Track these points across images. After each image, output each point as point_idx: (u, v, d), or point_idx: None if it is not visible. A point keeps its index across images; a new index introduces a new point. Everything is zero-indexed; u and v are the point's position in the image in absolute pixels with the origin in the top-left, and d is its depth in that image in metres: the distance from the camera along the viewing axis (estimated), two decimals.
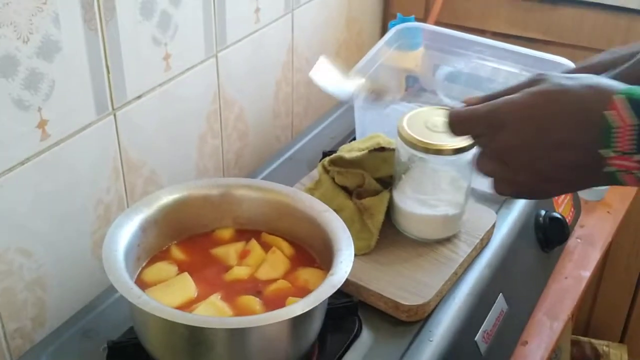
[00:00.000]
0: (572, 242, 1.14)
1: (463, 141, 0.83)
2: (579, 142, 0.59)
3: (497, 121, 0.63)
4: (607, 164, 0.58)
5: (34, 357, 0.78)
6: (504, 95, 0.64)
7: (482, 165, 0.66)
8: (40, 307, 0.91)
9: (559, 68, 1.04)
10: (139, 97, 0.97)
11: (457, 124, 0.67)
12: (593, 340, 1.62)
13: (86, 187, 0.93)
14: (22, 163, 0.83)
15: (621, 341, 1.66)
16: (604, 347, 1.60)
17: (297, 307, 0.66)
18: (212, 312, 0.72)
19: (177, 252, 0.81)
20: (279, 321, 0.66)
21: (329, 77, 0.92)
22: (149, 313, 0.66)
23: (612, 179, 0.59)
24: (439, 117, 0.87)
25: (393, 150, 0.90)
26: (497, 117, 0.63)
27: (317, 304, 0.67)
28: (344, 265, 0.71)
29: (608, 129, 0.56)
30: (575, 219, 1.14)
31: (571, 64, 1.03)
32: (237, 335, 0.67)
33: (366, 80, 0.95)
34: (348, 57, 1.48)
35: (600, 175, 0.59)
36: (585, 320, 1.67)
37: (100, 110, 0.91)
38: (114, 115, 0.94)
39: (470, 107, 0.66)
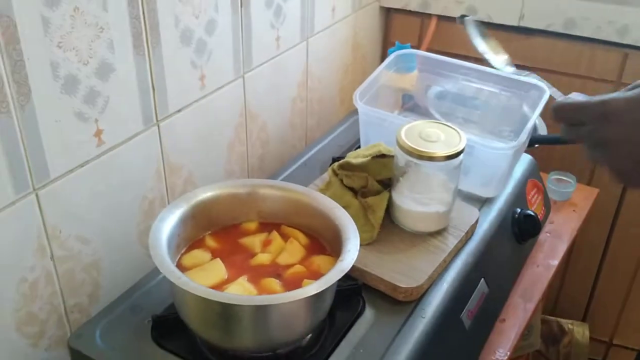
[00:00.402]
0: (542, 236, 1.12)
1: (451, 149, 0.83)
2: None
3: (605, 113, 0.61)
4: None
5: (90, 329, 0.76)
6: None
7: (591, 151, 0.63)
8: (95, 286, 0.91)
9: (532, 89, 1.03)
10: (179, 110, 0.97)
11: (565, 110, 0.64)
12: (560, 319, 1.60)
13: (134, 186, 0.93)
14: (82, 165, 0.83)
15: (583, 320, 1.64)
16: (569, 325, 1.59)
17: (311, 288, 0.65)
18: (240, 292, 0.71)
19: (210, 241, 0.80)
20: (296, 299, 0.65)
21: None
22: (188, 292, 0.65)
23: None
24: (431, 129, 0.86)
25: (392, 156, 0.88)
26: (606, 109, 0.61)
27: (328, 285, 0.66)
28: (351, 253, 0.70)
29: None
30: (546, 216, 1.12)
31: (543, 85, 1.02)
32: (261, 311, 0.67)
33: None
34: (354, 78, 1.47)
35: None
36: (553, 302, 1.66)
37: (147, 122, 0.91)
38: (158, 126, 0.94)
39: (579, 99, 0.63)
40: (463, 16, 0.81)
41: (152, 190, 0.96)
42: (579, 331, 1.59)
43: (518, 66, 1.37)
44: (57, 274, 0.84)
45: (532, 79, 1.06)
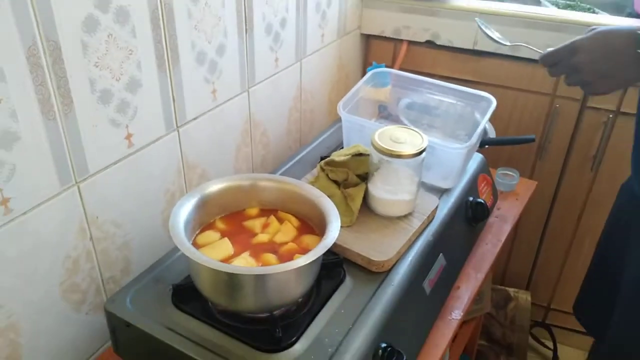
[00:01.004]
0: (491, 219, 1.10)
1: (415, 149, 0.82)
2: (625, 51, 0.71)
3: (574, 48, 0.76)
4: None
5: (122, 296, 0.75)
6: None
7: (568, 78, 0.79)
8: (126, 262, 0.89)
9: (482, 100, 1.02)
10: (195, 118, 0.95)
11: (548, 56, 0.80)
12: (507, 288, 1.58)
13: (158, 180, 0.91)
14: (115, 163, 0.82)
15: (527, 288, 1.63)
16: (514, 293, 1.57)
17: (300, 261, 0.64)
18: (244, 264, 0.70)
19: (220, 224, 0.78)
20: (288, 270, 0.65)
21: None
22: (201, 264, 0.64)
23: None
24: (400, 133, 0.84)
25: (368, 155, 0.87)
26: (575, 45, 0.76)
27: (314, 258, 0.65)
28: (332, 233, 0.69)
29: (638, 36, 0.70)
30: (494, 204, 1.10)
31: (491, 97, 1.01)
32: (260, 279, 0.66)
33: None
34: (339, 93, 1.44)
35: (638, 69, 0.72)
36: (502, 274, 1.64)
37: (169, 127, 0.90)
38: (178, 131, 0.92)
39: (554, 48, 0.79)
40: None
41: (174, 184, 0.95)
42: (523, 297, 1.57)
43: (472, 82, 1.37)
44: (95, 252, 0.83)
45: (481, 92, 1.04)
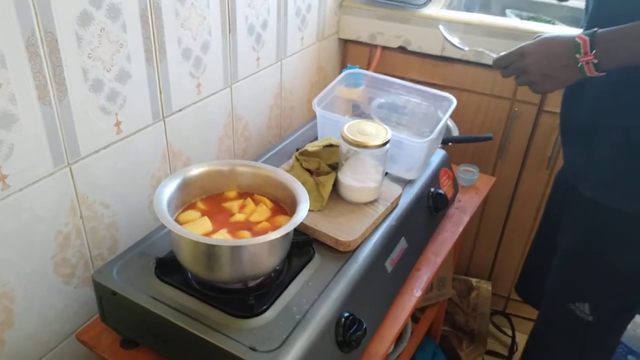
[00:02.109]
0: (452, 210, 1.14)
1: (380, 140, 0.85)
2: (565, 54, 0.78)
3: (522, 53, 0.84)
4: (578, 61, 0.78)
5: (109, 268, 0.78)
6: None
7: (518, 79, 0.86)
8: (113, 241, 0.93)
9: (445, 100, 1.07)
10: (180, 110, 0.98)
11: (500, 60, 0.87)
12: (470, 278, 1.62)
13: (145, 166, 0.95)
14: (105, 147, 0.85)
15: (488, 279, 1.67)
16: (477, 282, 1.62)
17: (272, 234, 0.68)
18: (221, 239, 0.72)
19: (200, 204, 0.81)
20: (261, 242, 0.69)
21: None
22: (183, 237, 0.68)
23: (581, 71, 0.78)
24: (366, 126, 0.88)
25: (338, 146, 0.91)
26: (523, 50, 0.84)
27: (284, 233, 0.69)
28: (302, 212, 0.72)
29: (577, 45, 0.77)
30: (454, 196, 1.14)
31: (452, 97, 1.06)
32: (235, 251, 0.69)
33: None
34: (317, 93, 1.38)
35: (576, 70, 0.78)
36: (466, 265, 1.69)
37: (155, 117, 0.93)
38: (164, 121, 0.95)
39: (505, 52, 0.86)
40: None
41: (159, 170, 0.99)
42: (484, 287, 1.62)
43: (440, 86, 1.43)
44: (84, 230, 0.87)
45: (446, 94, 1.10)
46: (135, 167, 0.93)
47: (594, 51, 0.76)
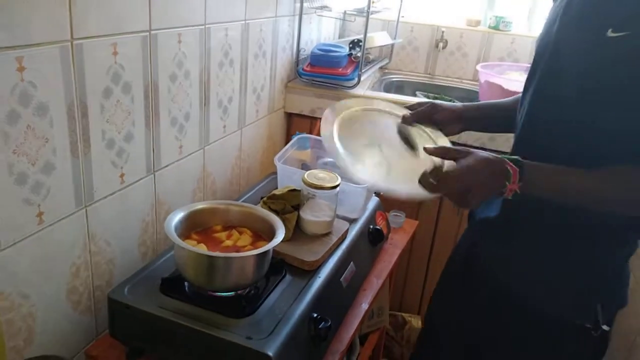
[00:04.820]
0: (386, 245, 1.34)
1: (333, 183, 1.06)
2: (499, 180, 0.77)
3: (460, 181, 0.77)
4: (505, 187, 0.77)
5: (121, 287, 0.91)
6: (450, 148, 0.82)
7: (449, 197, 0.79)
8: (110, 275, 1.04)
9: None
10: (167, 166, 1.14)
11: (432, 185, 0.78)
12: (403, 314, 1.82)
13: (138, 212, 1.09)
14: (112, 194, 1.00)
15: (418, 313, 1.84)
16: (408, 317, 1.80)
17: (258, 250, 0.87)
18: None
19: (195, 236, 0.95)
20: (249, 255, 0.86)
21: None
22: (187, 250, 0.84)
23: (500, 195, 0.78)
24: (321, 174, 1.09)
25: (299, 190, 1.09)
26: (468, 165, 0.78)
27: (268, 249, 0.86)
28: (279, 237, 0.90)
29: (508, 173, 0.77)
30: (388, 233, 1.34)
31: None
32: (229, 261, 0.86)
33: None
34: (269, 155, 1.66)
35: (498, 193, 0.78)
36: (399, 302, 1.87)
37: (148, 171, 1.09)
38: (154, 175, 1.11)
39: (443, 173, 0.79)
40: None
41: (149, 215, 1.13)
42: (415, 321, 1.81)
43: None
44: (91, 263, 1.00)
45: None
46: (131, 213, 1.07)
47: (520, 183, 0.77)
